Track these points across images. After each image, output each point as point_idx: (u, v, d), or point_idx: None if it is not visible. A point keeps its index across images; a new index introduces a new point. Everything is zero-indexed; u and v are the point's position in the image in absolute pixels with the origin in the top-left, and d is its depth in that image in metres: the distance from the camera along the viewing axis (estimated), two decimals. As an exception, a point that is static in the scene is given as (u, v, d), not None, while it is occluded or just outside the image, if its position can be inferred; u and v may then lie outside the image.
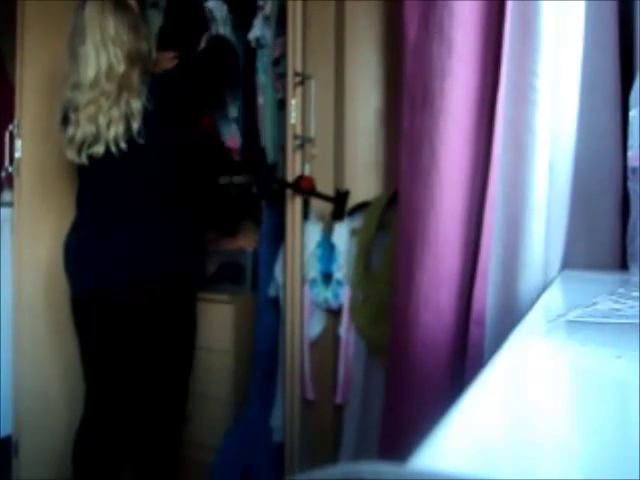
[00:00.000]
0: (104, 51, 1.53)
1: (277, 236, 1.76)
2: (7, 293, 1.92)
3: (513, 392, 0.45)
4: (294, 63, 1.55)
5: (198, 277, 1.87)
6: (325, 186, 1.68)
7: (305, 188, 1.57)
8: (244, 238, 2.11)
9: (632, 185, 0.90)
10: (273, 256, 1.81)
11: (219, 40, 1.84)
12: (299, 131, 1.56)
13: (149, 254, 1.58)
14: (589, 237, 1.06)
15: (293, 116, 1.57)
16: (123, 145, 1.53)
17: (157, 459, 1.69)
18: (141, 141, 1.54)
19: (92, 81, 1.52)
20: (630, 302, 0.70)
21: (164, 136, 1.61)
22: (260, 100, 1.85)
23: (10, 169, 1.87)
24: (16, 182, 1.89)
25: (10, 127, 1.86)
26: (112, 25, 1.54)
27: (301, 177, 1.57)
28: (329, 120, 1.75)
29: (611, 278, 0.96)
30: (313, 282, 1.68)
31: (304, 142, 1.59)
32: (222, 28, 1.88)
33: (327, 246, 1.69)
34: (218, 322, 1.91)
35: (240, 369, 1.89)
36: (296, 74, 1.56)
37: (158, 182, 1.61)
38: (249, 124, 1.89)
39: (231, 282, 2.04)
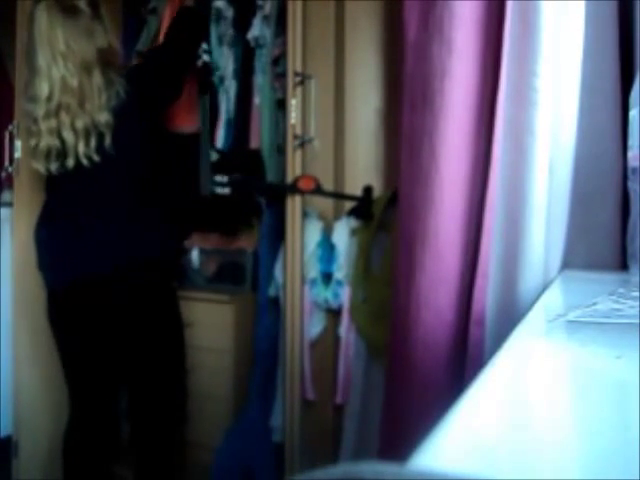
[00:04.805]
0: (55, 66, 1.50)
1: (277, 236, 1.76)
2: (7, 293, 1.92)
3: (513, 392, 0.45)
4: (294, 63, 1.55)
5: (175, 273, 1.86)
6: (325, 186, 1.68)
7: (306, 188, 1.57)
8: (244, 238, 2.11)
9: (632, 185, 0.91)
10: (273, 256, 1.81)
11: (186, 10, 1.82)
12: (299, 131, 1.56)
13: (128, 243, 1.58)
14: (589, 237, 1.06)
15: (293, 116, 1.56)
16: (96, 158, 1.52)
17: (154, 458, 1.69)
18: (112, 152, 1.53)
19: (47, 95, 1.51)
20: (630, 302, 0.70)
21: (141, 128, 1.61)
22: (257, 100, 1.84)
23: (10, 169, 1.87)
24: (16, 182, 1.89)
25: (10, 127, 1.86)
26: (61, 38, 1.50)
27: (301, 177, 1.56)
28: (329, 120, 1.75)
29: (611, 278, 0.96)
30: (313, 282, 1.68)
31: (304, 142, 1.59)
32: (229, 28, 1.88)
33: (327, 246, 1.69)
34: (218, 322, 1.90)
35: (240, 369, 1.88)
36: (296, 74, 1.55)
37: (134, 175, 1.61)
38: (243, 125, 1.88)
39: (231, 282, 2.04)
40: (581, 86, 1.01)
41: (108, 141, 1.52)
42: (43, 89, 1.50)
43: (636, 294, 0.74)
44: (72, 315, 1.61)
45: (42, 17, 1.52)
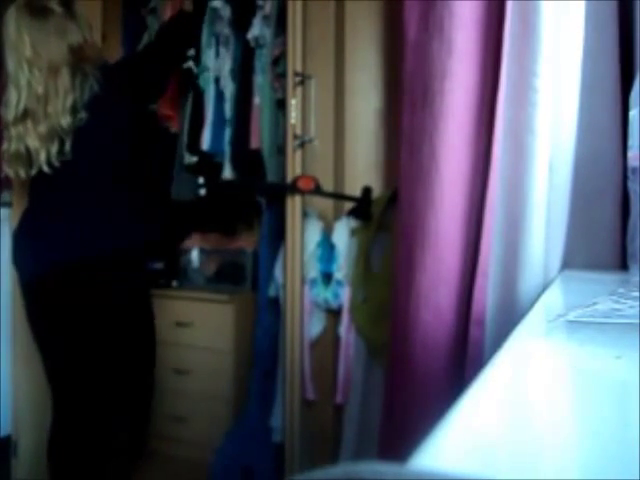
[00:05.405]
0: (21, 71, 1.50)
1: (277, 236, 1.76)
2: (7, 293, 1.92)
3: (513, 392, 0.45)
4: (294, 63, 1.55)
5: (145, 270, 1.86)
6: (325, 186, 1.68)
7: (305, 188, 1.57)
8: (244, 238, 2.11)
9: (632, 185, 0.91)
10: (273, 256, 1.81)
11: (183, 14, 1.84)
12: (299, 131, 1.56)
13: (93, 236, 1.58)
14: (589, 237, 1.06)
15: (293, 116, 1.56)
16: (57, 164, 1.52)
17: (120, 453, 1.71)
18: (70, 158, 1.53)
19: (16, 101, 1.51)
20: (630, 302, 0.70)
21: (117, 124, 1.62)
22: (257, 100, 1.85)
23: (10, 169, 1.87)
24: (15, 182, 1.89)
25: (10, 127, 1.86)
26: (27, 42, 1.49)
27: (301, 177, 1.56)
28: (329, 120, 1.75)
29: (611, 278, 0.96)
30: (313, 282, 1.68)
31: (304, 142, 1.59)
32: (226, 28, 1.88)
33: (327, 246, 1.69)
34: (218, 322, 1.91)
35: (240, 369, 1.89)
36: (296, 74, 1.56)
37: (104, 171, 1.61)
38: (242, 125, 1.88)
39: (231, 282, 2.04)
40: (581, 86, 1.01)
41: (68, 147, 1.52)
42: (12, 95, 1.51)
43: (636, 294, 0.74)
44: (41, 308, 1.60)
45: (10, 22, 1.51)
